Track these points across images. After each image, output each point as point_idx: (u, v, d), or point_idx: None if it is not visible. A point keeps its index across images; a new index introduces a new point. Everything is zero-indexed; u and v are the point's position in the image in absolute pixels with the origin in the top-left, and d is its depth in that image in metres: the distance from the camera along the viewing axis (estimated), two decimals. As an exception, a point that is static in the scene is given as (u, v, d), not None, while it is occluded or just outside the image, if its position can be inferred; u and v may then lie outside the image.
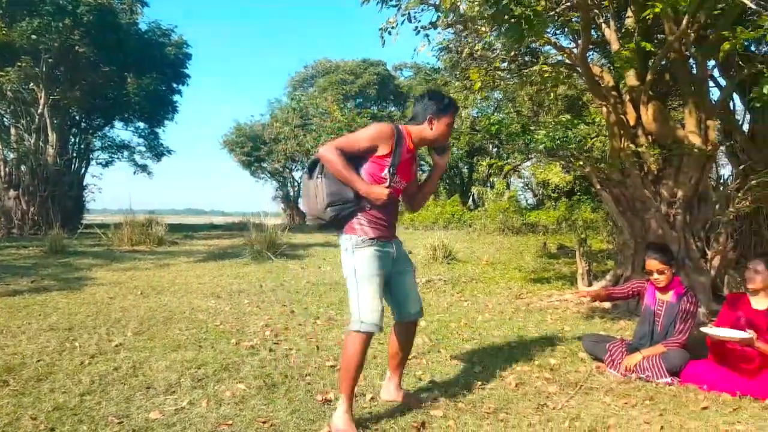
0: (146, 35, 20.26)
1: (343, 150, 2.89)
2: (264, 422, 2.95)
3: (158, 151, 24.69)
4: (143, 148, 24.84)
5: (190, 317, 5.43)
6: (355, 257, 2.91)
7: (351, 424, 2.84)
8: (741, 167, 7.11)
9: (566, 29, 6.84)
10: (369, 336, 2.91)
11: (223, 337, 4.69)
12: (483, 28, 5.55)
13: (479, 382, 3.63)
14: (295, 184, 35.20)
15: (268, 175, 34.91)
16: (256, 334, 4.82)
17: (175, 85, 23.07)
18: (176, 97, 23.49)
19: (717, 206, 5.94)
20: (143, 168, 25.12)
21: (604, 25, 6.46)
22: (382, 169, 2.95)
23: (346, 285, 2.98)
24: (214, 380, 3.57)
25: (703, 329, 3.72)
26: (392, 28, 5.46)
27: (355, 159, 2.94)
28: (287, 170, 34.16)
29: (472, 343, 4.70)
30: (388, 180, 2.95)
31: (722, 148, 7.79)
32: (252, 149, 32.65)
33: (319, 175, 2.92)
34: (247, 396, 3.30)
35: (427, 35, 5.84)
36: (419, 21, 5.74)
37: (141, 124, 24.09)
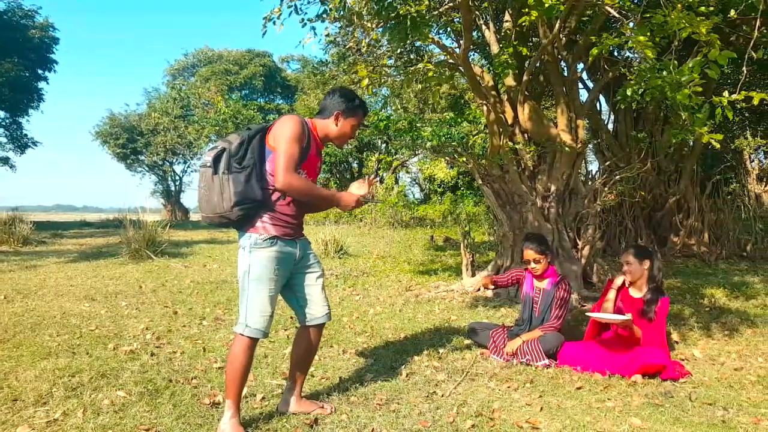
0: (5, 16, 18.29)
1: (295, 168, 2.75)
2: (147, 430, 2.78)
3: (22, 143, 22.48)
4: (4, 139, 22.53)
5: (61, 322, 4.99)
6: (251, 257, 2.78)
7: (239, 428, 2.74)
8: (606, 164, 7.79)
9: (449, 29, 7.08)
10: (253, 341, 2.79)
11: (100, 342, 4.36)
12: (369, 24, 5.59)
13: (371, 375, 3.68)
14: (177, 178, 33.60)
15: (146, 168, 33.03)
16: (136, 337, 4.53)
17: (40, 72, 21.10)
18: (42, 85, 21.53)
19: (586, 200, 6.46)
20: (5, 161, 22.78)
21: (484, 27, 6.77)
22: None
23: (239, 284, 2.85)
24: (91, 388, 3.31)
25: (589, 313, 4.04)
26: (277, 18, 5.34)
27: (260, 156, 2.79)
28: (167, 164, 32.51)
29: (364, 336, 4.75)
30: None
31: (590, 146, 8.49)
32: (127, 141, 30.72)
33: (225, 171, 2.71)
34: (127, 403, 3.10)
35: (313, 28, 5.79)
36: (305, 13, 5.67)
37: (1, 113, 21.79)
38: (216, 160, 2.75)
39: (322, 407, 3.07)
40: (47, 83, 21.76)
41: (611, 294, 4.15)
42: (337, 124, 2.99)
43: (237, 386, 2.76)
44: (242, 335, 2.76)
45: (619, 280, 4.16)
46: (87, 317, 5.22)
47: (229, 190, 2.70)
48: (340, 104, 2.98)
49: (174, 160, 32.57)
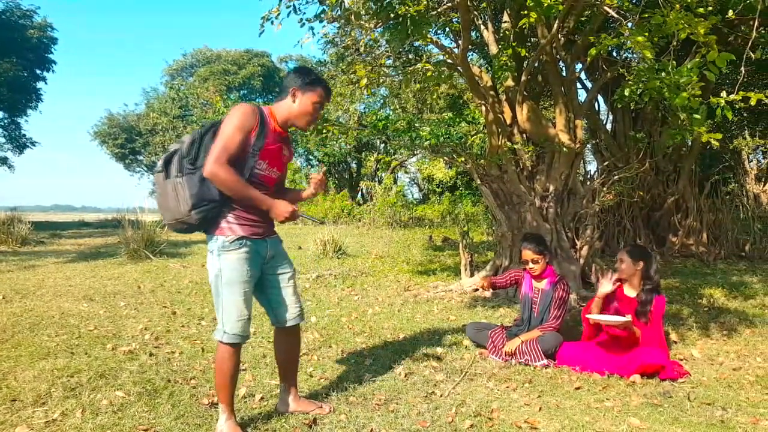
0: (3, 16, 18.26)
1: (228, 159, 2.58)
2: (146, 430, 2.78)
3: (20, 143, 22.47)
4: (2, 140, 22.52)
5: (60, 322, 4.98)
6: (221, 261, 2.67)
7: (236, 428, 2.73)
8: (605, 164, 7.79)
9: (447, 29, 7.09)
10: (234, 347, 2.72)
11: (98, 342, 4.35)
12: (368, 24, 5.59)
13: (370, 375, 3.68)
14: (176, 178, 33.54)
15: (145, 168, 32.99)
16: (134, 338, 4.52)
17: (38, 72, 21.08)
18: (40, 85, 21.50)
19: (584, 200, 6.46)
20: (3, 161, 22.77)
21: (482, 27, 6.78)
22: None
23: (212, 290, 2.77)
24: (89, 388, 3.31)
25: (589, 315, 4.02)
26: (275, 17, 5.33)
27: (240, 159, 2.64)
28: (166, 164, 32.46)
29: (362, 336, 4.75)
30: (251, 166, 2.68)
31: (589, 146, 8.49)
32: (126, 141, 30.70)
33: (178, 174, 2.60)
34: (126, 404, 3.09)
35: (311, 28, 5.79)
36: (304, 13, 5.66)
37: (-1, 113, 21.79)
38: (167, 163, 2.64)
39: (321, 407, 3.06)
40: (45, 83, 21.77)
41: (597, 302, 4.12)
42: (294, 101, 2.81)
43: (227, 391, 2.73)
44: (222, 342, 2.71)
45: (605, 288, 4.10)
46: (85, 317, 5.21)
47: (184, 193, 2.59)
48: (295, 80, 2.81)
49: (172, 160, 32.54)
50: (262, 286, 2.92)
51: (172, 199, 2.62)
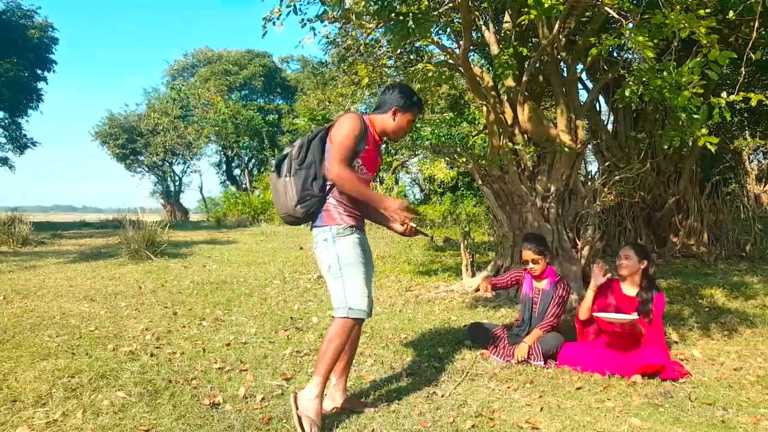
0: (3, 16, 18.29)
1: (347, 161, 2.88)
2: (147, 430, 2.79)
3: (21, 143, 22.53)
4: (3, 140, 22.55)
5: (61, 323, 4.99)
6: (337, 246, 2.91)
7: (320, 409, 2.85)
8: (606, 164, 7.79)
9: (449, 30, 7.09)
10: (357, 323, 2.90)
11: (99, 342, 4.36)
12: (369, 24, 5.60)
13: (371, 376, 3.68)
14: (176, 178, 33.61)
15: (146, 168, 33.06)
16: (135, 338, 4.53)
17: (39, 72, 21.11)
18: (41, 85, 21.54)
19: (585, 200, 6.46)
20: (4, 161, 22.81)
21: (483, 27, 6.78)
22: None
23: (327, 276, 2.95)
24: (90, 389, 3.31)
25: (596, 314, 3.99)
26: (276, 18, 5.34)
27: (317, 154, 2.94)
28: (167, 164, 32.53)
29: (364, 336, 4.74)
30: (353, 168, 2.96)
31: (590, 146, 8.48)
32: (127, 141, 30.74)
33: (287, 174, 2.93)
34: (127, 404, 3.10)
35: (313, 28, 5.79)
36: (305, 13, 5.66)
37: (0, 114, 21.79)
38: (279, 164, 3.00)
39: (366, 406, 3.14)
40: (46, 83, 21.81)
41: (589, 294, 4.11)
42: (394, 119, 3.10)
43: (328, 366, 2.86)
44: (346, 318, 2.85)
45: (600, 280, 4.08)
46: (86, 318, 5.22)
47: (291, 191, 2.92)
48: (398, 100, 3.09)
49: (173, 161, 32.61)
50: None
51: (282, 195, 2.95)
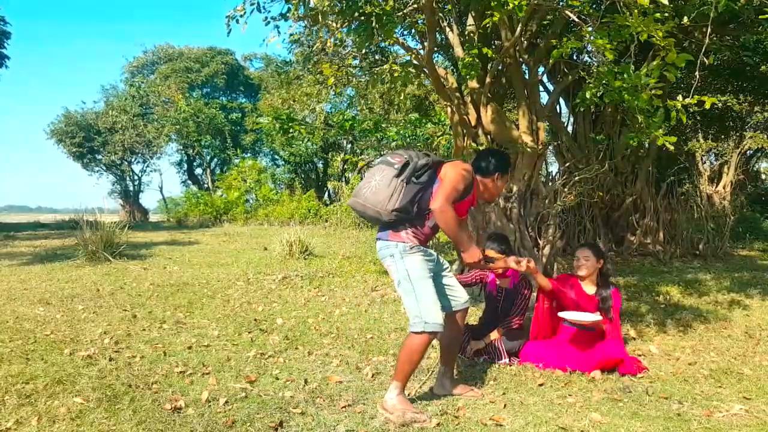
0: (-51, 7, 17.55)
1: (452, 201, 3.03)
2: (105, 438, 2.71)
3: (-32, 141, 21.62)
4: (-52, 137, 21.62)
5: (14, 327, 4.81)
6: (406, 262, 3.05)
7: (407, 401, 3.01)
8: (566, 165, 7.95)
9: (413, 30, 7.12)
10: (433, 336, 3.03)
11: (55, 347, 4.22)
12: (334, 24, 5.57)
13: (337, 376, 3.67)
14: (135, 177, 32.81)
15: (104, 168, 32.14)
16: (93, 342, 4.40)
17: (-10, 67, 20.28)
18: (-8, 80, 20.70)
19: (547, 200, 6.59)
20: (-52, 159, 21.86)
21: (447, 29, 6.83)
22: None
23: (399, 290, 3.10)
24: (46, 395, 3.20)
25: (561, 314, 4.04)
26: (240, 16, 5.26)
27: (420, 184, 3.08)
28: (126, 163, 31.70)
29: (329, 337, 4.73)
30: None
31: (550, 147, 8.64)
32: (84, 140, 29.81)
33: (404, 180, 3.02)
34: (85, 410, 3.01)
35: (277, 26, 5.72)
36: (269, 11, 5.60)
37: (-56, 109, 20.93)
38: (403, 167, 3.07)
39: (474, 390, 3.39)
40: (-2, 79, 20.99)
41: (540, 278, 4.09)
42: (496, 183, 3.37)
43: (407, 374, 3.04)
44: (424, 332, 2.97)
45: (516, 266, 3.65)
46: (42, 322, 5.05)
47: (398, 196, 3.00)
48: (502, 167, 3.37)
49: (132, 160, 31.80)
50: (434, 281, 3.20)
51: (386, 193, 3.01)
